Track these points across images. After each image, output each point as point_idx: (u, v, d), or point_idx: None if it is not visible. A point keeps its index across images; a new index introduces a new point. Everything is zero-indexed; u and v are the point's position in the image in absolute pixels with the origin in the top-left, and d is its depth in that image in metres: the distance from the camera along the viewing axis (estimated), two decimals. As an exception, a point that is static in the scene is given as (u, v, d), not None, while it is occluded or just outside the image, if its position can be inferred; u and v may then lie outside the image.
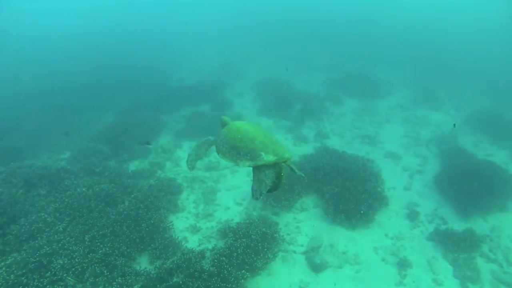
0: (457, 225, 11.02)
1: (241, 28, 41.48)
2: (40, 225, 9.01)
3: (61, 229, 9.02)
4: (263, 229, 9.81)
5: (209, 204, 11.87)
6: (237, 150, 5.23)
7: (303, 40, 35.64)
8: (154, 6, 60.58)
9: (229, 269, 8.38)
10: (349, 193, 11.22)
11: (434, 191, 12.88)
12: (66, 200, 9.91)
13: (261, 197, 4.93)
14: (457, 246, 10.02)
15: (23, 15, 52.05)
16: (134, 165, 14.25)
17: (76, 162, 13.64)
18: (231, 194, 12.49)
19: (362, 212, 10.82)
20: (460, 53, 29.03)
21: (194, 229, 10.63)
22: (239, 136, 5.32)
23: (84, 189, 10.46)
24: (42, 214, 9.37)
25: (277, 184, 5.18)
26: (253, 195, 4.94)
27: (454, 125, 16.07)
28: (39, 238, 8.60)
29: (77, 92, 21.19)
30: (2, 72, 25.90)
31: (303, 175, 5.66)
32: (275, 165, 5.10)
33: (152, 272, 8.47)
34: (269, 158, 4.92)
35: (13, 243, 8.58)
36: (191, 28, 43.88)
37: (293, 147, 16.10)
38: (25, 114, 18.14)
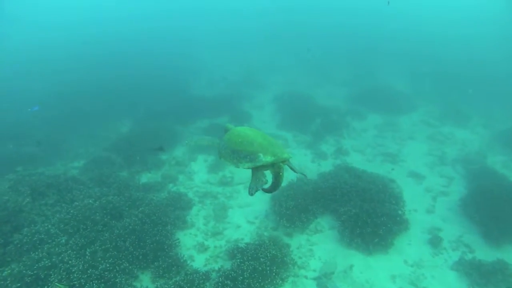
0: (486, 254, 10.11)
1: (263, 40, 41.18)
2: (43, 236, 8.78)
3: (63, 241, 8.75)
4: (273, 252, 9.28)
5: (220, 222, 11.43)
6: (237, 153, 5.46)
7: (326, 54, 35.07)
8: (177, 16, 61.09)
9: (234, 293, 7.92)
10: (367, 216, 10.54)
11: (460, 215, 12.01)
12: (72, 211, 9.66)
13: (256, 192, 5.13)
14: (486, 279, 9.11)
15: (42, 23, 53.28)
16: (146, 177, 13.98)
17: (87, 171, 13.51)
18: (243, 212, 12.02)
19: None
20: (487, 67, 27.78)
21: (202, 248, 10.19)
22: (239, 140, 5.58)
23: (90, 201, 10.21)
24: (46, 224, 9.14)
25: (276, 184, 5.36)
26: (249, 192, 5.16)
27: None
28: (39, 249, 8.32)
29: (95, 101, 21.22)
30: (20, 79, 26.36)
31: (305, 174, 6.16)
32: (273, 166, 5.32)
33: (153, 293, 8.11)
34: (267, 159, 5.14)
35: (14, 253, 8.34)
36: (213, 38, 43.92)
37: (311, 164, 15.56)
38: (42, 121, 18.21)
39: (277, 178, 5.34)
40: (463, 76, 25.54)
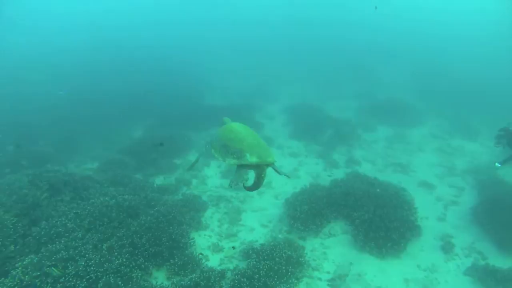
0: (499, 262, 10.05)
1: (275, 52, 41.41)
2: (60, 229, 8.84)
3: (80, 235, 8.81)
4: (289, 252, 9.36)
5: (234, 224, 11.50)
6: (226, 148, 5.91)
7: (337, 67, 35.33)
8: (191, 24, 61.62)
9: (250, 291, 7.95)
10: (380, 220, 10.60)
11: (471, 223, 12.03)
12: (88, 207, 9.73)
13: (235, 187, 5.75)
14: (502, 285, 9.04)
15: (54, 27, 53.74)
16: (159, 180, 14.10)
17: (102, 172, 13.62)
18: (257, 216, 12.09)
19: None
20: (496, 82, 27.83)
21: (216, 248, 10.24)
22: (231, 136, 6.04)
23: (107, 199, 10.28)
24: (63, 219, 9.21)
25: (257, 184, 5.81)
26: (229, 185, 5.75)
27: None
28: (57, 242, 8.39)
29: (108, 106, 21.48)
30: (36, 81, 26.75)
31: (288, 176, 6.55)
32: (257, 166, 5.73)
33: (169, 288, 8.13)
34: (253, 159, 5.55)
35: (32, 245, 8.42)
36: (226, 49, 44.31)
37: (323, 172, 15.68)
38: (56, 123, 18.44)
39: (259, 179, 5.76)
40: (472, 91, 25.64)
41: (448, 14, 63.66)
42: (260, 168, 5.76)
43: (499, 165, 12.68)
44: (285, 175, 6.39)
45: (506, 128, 11.92)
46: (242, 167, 5.88)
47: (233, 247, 10.27)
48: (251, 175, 6.11)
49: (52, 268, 7.34)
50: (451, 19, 60.95)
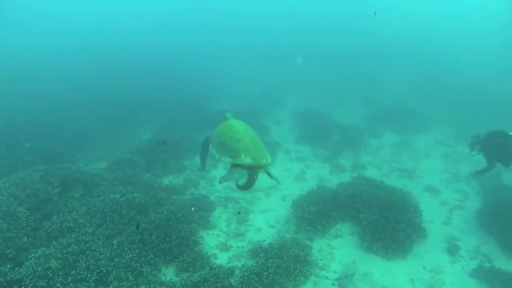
0: (505, 264, 10.09)
1: (281, 58, 41.66)
2: (71, 224, 8.98)
3: (90, 230, 8.95)
4: (296, 251, 9.44)
5: (241, 224, 11.60)
6: (223, 146, 6.08)
7: (342, 74, 35.53)
8: (199, 31, 62.07)
9: (259, 287, 8.04)
10: (386, 222, 10.69)
11: (476, 227, 12.05)
12: (98, 204, 9.91)
13: (224, 183, 6.36)
14: (508, 287, 9.10)
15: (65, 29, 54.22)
16: (168, 180, 14.26)
17: (111, 171, 13.75)
18: (265, 216, 12.21)
19: None
20: (502, 90, 27.91)
21: (224, 247, 10.34)
22: (229, 135, 6.16)
23: (117, 196, 10.44)
24: (74, 214, 9.36)
25: (248, 183, 6.03)
26: (219, 181, 6.02)
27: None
28: (68, 236, 8.55)
29: (118, 108, 21.81)
30: (46, 81, 27.10)
31: (279, 181, 6.75)
32: (251, 168, 5.89)
33: (178, 283, 8.22)
34: (247, 160, 5.74)
35: (44, 238, 8.57)
36: (233, 54, 44.63)
37: (329, 176, 15.83)
38: (65, 122, 18.69)
39: (251, 179, 5.98)
40: (477, 98, 25.73)
41: (454, 20, 63.81)
42: (253, 169, 5.93)
43: (475, 174, 12.68)
44: (276, 180, 6.53)
45: (478, 135, 12.03)
46: (236, 166, 6.05)
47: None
48: (244, 175, 6.27)
49: (52, 260, 7.48)
50: (457, 25, 61.17)
